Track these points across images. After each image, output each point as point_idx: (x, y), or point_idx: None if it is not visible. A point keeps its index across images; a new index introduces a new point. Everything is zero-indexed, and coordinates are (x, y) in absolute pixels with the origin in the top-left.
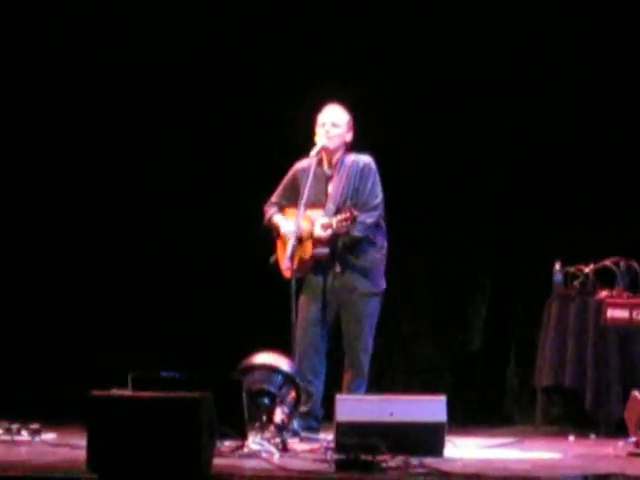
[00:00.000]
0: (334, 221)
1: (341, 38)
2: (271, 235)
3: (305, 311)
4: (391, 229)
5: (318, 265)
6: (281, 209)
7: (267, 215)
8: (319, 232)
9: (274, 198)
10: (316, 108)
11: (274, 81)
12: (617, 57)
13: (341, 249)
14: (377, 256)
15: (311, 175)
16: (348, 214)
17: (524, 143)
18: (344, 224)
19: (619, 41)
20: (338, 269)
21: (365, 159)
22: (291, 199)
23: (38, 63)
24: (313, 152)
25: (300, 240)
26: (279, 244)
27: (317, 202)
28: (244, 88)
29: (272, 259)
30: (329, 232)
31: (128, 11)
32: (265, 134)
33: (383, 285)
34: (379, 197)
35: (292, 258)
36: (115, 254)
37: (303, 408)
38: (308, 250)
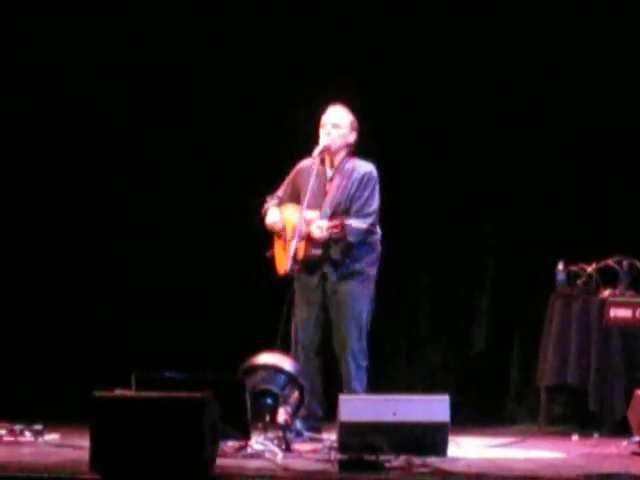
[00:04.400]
0: (324, 227)
1: (351, 38)
2: (267, 229)
3: (300, 312)
4: (391, 228)
5: (310, 266)
6: (281, 203)
7: (266, 205)
8: (315, 232)
9: (279, 192)
10: (322, 108)
11: (282, 79)
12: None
13: (334, 252)
14: (369, 261)
15: (313, 175)
16: (337, 222)
17: (527, 140)
18: (333, 231)
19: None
20: (328, 270)
21: (367, 167)
22: (292, 197)
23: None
24: (315, 152)
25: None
26: (276, 240)
27: (315, 202)
28: (249, 86)
29: (269, 254)
30: (325, 234)
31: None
32: (268, 133)
33: (372, 290)
34: (374, 206)
35: (295, 258)
36: (117, 253)
37: (306, 412)
38: (301, 250)
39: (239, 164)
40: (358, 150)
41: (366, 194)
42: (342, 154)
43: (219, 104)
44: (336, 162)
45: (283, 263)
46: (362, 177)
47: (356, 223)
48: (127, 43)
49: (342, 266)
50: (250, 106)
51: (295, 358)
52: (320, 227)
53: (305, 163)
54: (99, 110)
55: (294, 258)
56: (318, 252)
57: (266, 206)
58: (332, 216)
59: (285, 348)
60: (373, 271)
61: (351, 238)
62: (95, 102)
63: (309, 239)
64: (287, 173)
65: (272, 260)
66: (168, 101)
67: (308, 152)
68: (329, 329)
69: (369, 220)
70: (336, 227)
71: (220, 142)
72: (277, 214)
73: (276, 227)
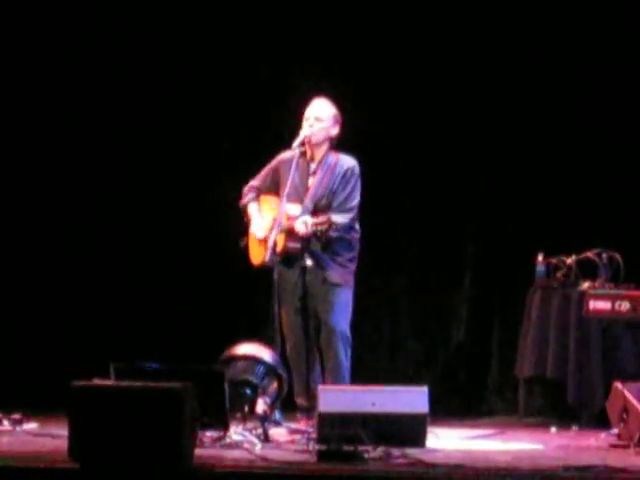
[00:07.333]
0: (309, 222)
1: (339, 32)
2: (244, 217)
3: (285, 306)
4: (370, 223)
5: (288, 259)
6: (259, 195)
7: (245, 199)
8: (300, 227)
9: (255, 182)
10: (305, 101)
11: (265, 73)
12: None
13: (314, 245)
14: (348, 257)
15: (294, 167)
16: (324, 219)
17: (506, 133)
18: (319, 228)
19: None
20: (308, 263)
21: (350, 162)
22: (271, 188)
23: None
24: (295, 143)
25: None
26: (250, 231)
27: (297, 195)
28: (227, 79)
29: (242, 242)
30: (309, 230)
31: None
32: (251, 125)
33: (352, 283)
34: (355, 201)
35: (274, 249)
36: (95, 246)
37: (305, 403)
38: (280, 243)
39: (218, 154)
40: (341, 145)
41: (348, 189)
42: (324, 147)
43: (208, 96)
44: (318, 155)
45: (257, 254)
46: (345, 172)
47: (339, 218)
48: (122, 41)
49: (322, 260)
50: (235, 97)
51: (279, 348)
52: (305, 222)
53: (286, 155)
54: (91, 111)
55: (273, 249)
56: (297, 245)
57: (245, 200)
58: (314, 210)
59: (271, 341)
60: (352, 267)
61: (333, 233)
62: (89, 102)
63: (289, 233)
64: (264, 163)
65: (246, 250)
66: (165, 100)
67: (290, 144)
68: (314, 321)
69: (350, 215)
70: (322, 224)
71: (201, 136)
72: (258, 218)
73: (257, 235)
